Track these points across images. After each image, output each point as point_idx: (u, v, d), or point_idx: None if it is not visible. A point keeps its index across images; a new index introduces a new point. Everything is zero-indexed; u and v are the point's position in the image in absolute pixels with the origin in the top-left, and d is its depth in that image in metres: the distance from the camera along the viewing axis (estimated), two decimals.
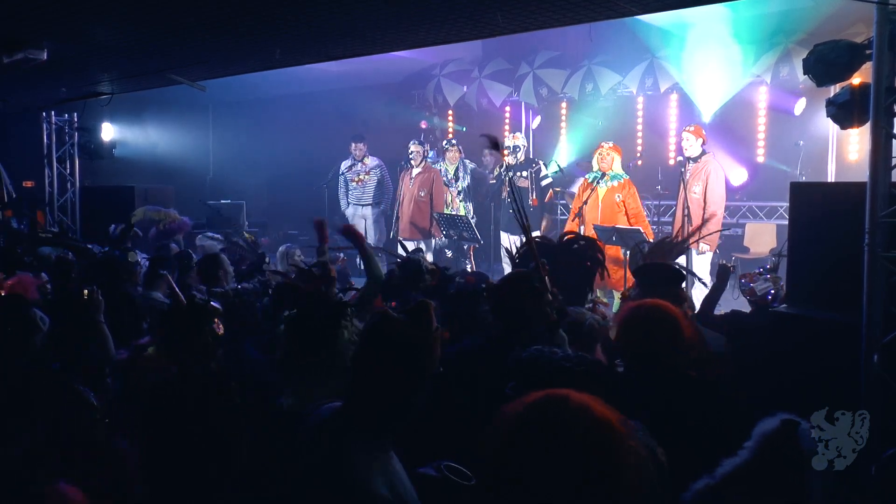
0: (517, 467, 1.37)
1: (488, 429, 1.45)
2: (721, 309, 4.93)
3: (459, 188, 9.83)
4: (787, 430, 1.68)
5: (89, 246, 6.72)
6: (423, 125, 12.22)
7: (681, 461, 1.97)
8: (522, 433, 1.39)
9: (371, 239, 9.96)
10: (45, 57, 6.22)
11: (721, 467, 1.67)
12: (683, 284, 4.52)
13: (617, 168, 7.83)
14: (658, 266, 4.41)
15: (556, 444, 1.36)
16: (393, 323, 2.01)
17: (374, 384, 1.99)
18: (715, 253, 7.98)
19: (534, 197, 8.63)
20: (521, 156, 8.74)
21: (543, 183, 8.73)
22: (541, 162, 8.99)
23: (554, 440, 1.36)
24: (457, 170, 9.92)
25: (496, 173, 8.90)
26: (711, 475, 1.66)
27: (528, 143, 9.82)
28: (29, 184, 11.05)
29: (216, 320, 3.15)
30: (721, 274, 4.87)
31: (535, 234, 8.03)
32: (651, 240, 6.51)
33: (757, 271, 5.10)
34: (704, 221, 7.42)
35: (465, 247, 9.24)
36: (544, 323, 3.04)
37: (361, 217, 10.31)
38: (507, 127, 12.33)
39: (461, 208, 9.76)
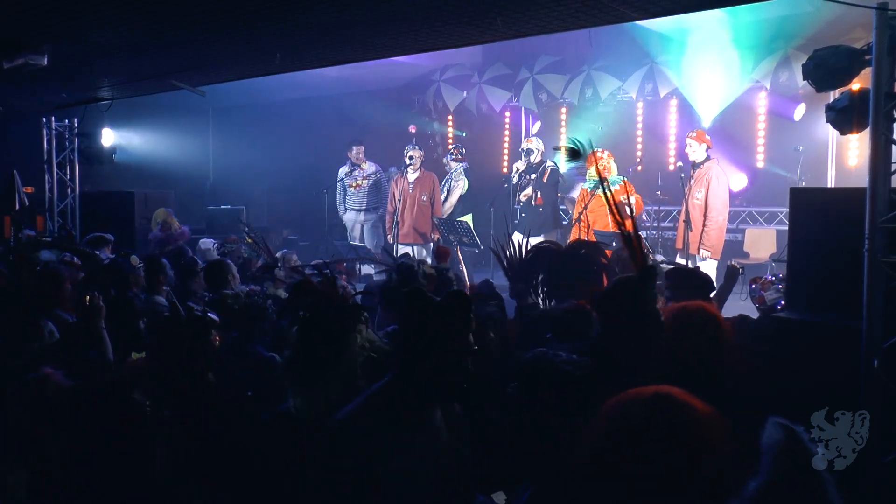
0: (621, 460, 1.46)
1: (592, 421, 1.54)
2: (726, 311, 4.91)
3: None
4: (794, 438, 1.66)
5: (97, 252, 6.72)
6: (413, 129, 12.18)
7: None
8: (629, 427, 1.48)
9: (369, 244, 9.96)
10: (46, 62, 6.23)
11: (747, 489, 1.66)
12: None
13: (614, 172, 7.86)
14: (688, 272, 4.40)
15: (666, 439, 1.45)
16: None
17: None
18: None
19: (538, 196, 8.61)
20: (534, 158, 8.73)
21: (547, 171, 8.72)
22: (549, 162, 8.96)
23: (662, 436, 1.45)
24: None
25: (514, 179, 8.88)
26: (740, 499, 1.66)
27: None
28: (29, 189, 11.05)
29: (213, 332, 3.13)
30: (729, 274, 4.85)
31: (539, 239, 8.06)
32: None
33: (769, 279, 5.06)
34: (703, 228, 7.43)
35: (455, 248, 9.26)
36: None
37: (359, 223, 10.31)
38: (507, 132, 12.35)
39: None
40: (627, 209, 7.56)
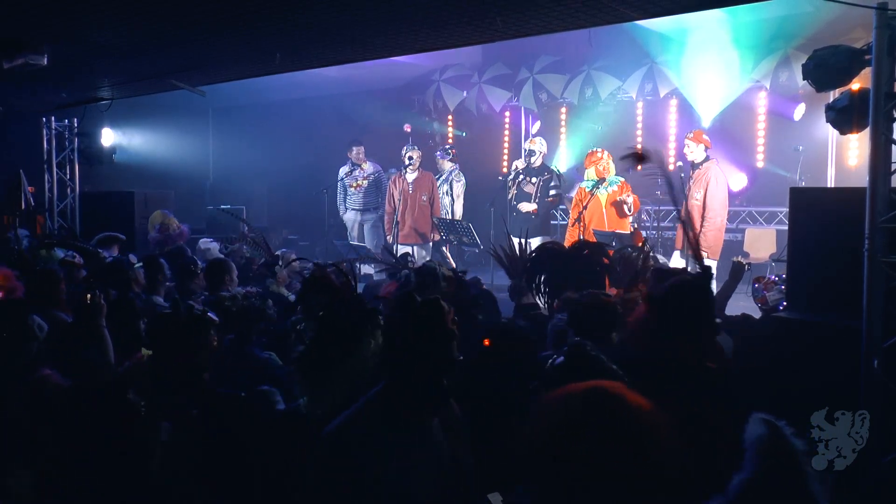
0: (564, 452, 1.47)
1: (533, 414, 1.57)
2: (729, 310, 4.90)
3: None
4: (777, 433, 1.67)
5: (100, 250, 6.71)
6: (408, 128, 12.19)
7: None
8: (571, 420, 1.49)
9: (369, 244, 9.96)
10: (46, 62, 6.22)
11: (732, 483, 1.67)
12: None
13: (613, 172, 7.88)
14: (670, 273, 4.38)
15: (603, 432, 1.46)
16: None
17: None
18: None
19: (534, 206, 8.63)
20: (535, 160, 8.74)
21: (551, 192, 8.74)
22: (554, 171, 8.97)
23: (601, 428, 1.46)
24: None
25: (511, 176, 8.91)
26: (724, 493, 1.67)
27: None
28: (30, 189, 11.05)
29: (212, 332, 3.12)
30: (735, 270, 4.84)
31: (536, 240, 8.06)
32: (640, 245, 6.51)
33: (772, 279, 5.06)
34: (701, 228, 7.43)
35: (444, 248, 9.25)
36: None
37: (359, 223, 10.31)
38: (506, 131, 12.35)
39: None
40: (626, 207, 7.62)
